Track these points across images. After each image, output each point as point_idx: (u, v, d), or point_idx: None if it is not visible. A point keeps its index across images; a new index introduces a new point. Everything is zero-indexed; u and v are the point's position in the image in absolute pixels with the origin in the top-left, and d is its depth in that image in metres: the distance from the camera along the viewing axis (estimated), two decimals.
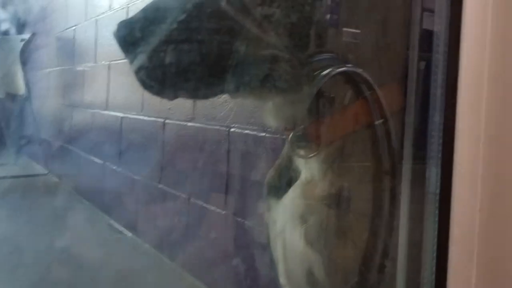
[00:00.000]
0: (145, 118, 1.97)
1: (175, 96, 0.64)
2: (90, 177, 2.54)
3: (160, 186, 1.89)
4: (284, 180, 0.71)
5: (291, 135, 0.62)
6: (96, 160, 2.45)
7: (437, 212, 0.60)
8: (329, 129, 0.61)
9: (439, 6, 0.58)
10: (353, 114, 0.62)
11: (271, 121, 0.67)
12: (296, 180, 0.67)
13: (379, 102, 0.61)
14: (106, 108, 2.33)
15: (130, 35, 0.56)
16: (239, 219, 1.47)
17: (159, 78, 0.58)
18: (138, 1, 1.94)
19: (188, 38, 0.58)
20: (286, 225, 0.65)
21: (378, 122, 0.61)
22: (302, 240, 0.61)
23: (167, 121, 1.83)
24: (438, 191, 0.59)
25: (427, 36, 0.61)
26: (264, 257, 1.19)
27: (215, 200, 1.59)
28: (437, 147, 0.59)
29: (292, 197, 0.66)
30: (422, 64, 0.64)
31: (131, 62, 0.58)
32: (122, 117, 2.18)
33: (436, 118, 0.58)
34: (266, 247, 0.75)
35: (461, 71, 0.54)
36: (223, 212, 1.54)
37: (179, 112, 1.73)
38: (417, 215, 0.62)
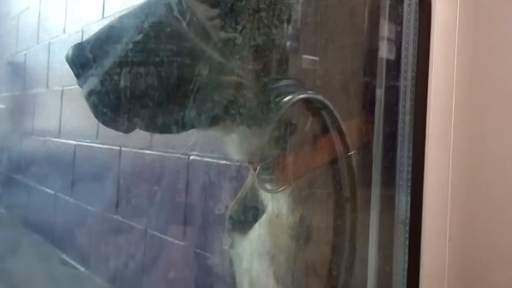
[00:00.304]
0: (100, 146, 1.89)
1: (130, 127, 0.59)
2: (41, 208, 2.40)
3: (116, 217, 1.80)
4: (248, 215, 0.67)
5: (257, 169, 0.59)
6: (47, 190, 2.32)
7: (407, 242, 0.58)
8: (296, 163, 0.58)
9: (406, 34, 0.57)
10: (319, 147, 0.59)
11: (235, 154, 0.64)
12: (262, 214, 0.63)
13: (341, 132, 0.59)
14: (59, 136, 2.23)
15: (82, 56, 0.52)
16: (199, 251, 1.41)
17: (112, 104, 0.54)
18: (94, 24, 1.88)
19: (145, 61, 0.54)
20: (254, 262, 0.61)
21: (341, 154, 0.58)
22: (271, 278, 0.58)
23: (123, 149, 1.76)
24: (408, 220, 0.58)
25: (391, 65, 0.60)
26: None
27: (173, 231, 1.52)
28: (406, 175, 0.58)
29: (259, 233, 0.62)
30: (380, 92, 0.63)
31: (82, 85, 0.53)
32: (75, 145, 2.08)
33: (405, 146, 0.57)
34: (230, 284, 0.70)
35: (430, 97, 0.53)
36: (182, 244, 1.48)
37: (136, 139, 1.67)
38: (387, 244, 0.60)
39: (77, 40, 2.03)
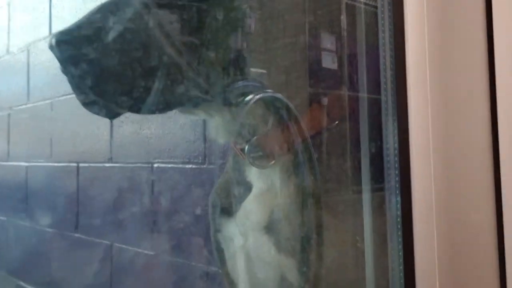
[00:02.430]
0: (55, 164, 1.84)
1: (117, 109, 0.61)
2: None
3: (77, 235, 1.75)
4: (234, 196, 0.70)
5: (247, 147, 0.63)
6: None
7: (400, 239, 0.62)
8: (282, 138, 0.63)
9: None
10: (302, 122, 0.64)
11: (219, 137, 0.68)
12: (248, 192, 0.67)
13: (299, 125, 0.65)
14: (8, 159, 2.14)
15: (65, 43, 0.54)
16: (169, 258, 1.40)
17: (97, 87, 0.56)
18: (40, 42, 1.84)
19: (124, 46, 0.57)
20: (248, 239, 0.64)
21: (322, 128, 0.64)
22: (273, 249, 0.61)
23: (81, 164, 1.72)
24: (399, 219, 0.62)
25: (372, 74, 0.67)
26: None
27: (141, 241, 1.51)
28: (394, 172, 0.63)
29: (250, 209, 0.65)
30: (325, 100, 0.70)
31: (66, 73, 0.55)
32: (27, 166, 2.01)
33: (390, 146, 0.63)
34: (220, 268, 0.72)
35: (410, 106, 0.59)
36: (152, 253, 1.47)
37: (95, 154, 1.64)
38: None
39: (23, 62, 1.97)
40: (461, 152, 0.58)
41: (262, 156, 0.64)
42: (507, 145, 0.54)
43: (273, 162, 0.63)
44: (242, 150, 0.64)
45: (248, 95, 0.62)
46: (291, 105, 0.65)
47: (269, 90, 0.65)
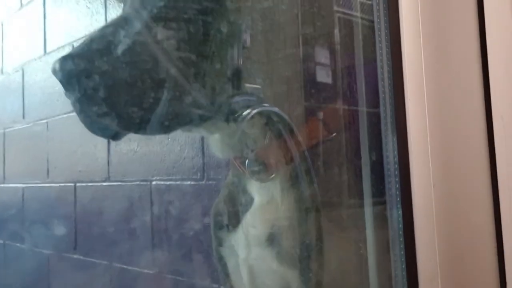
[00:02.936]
0: (52, 185, 1.82)
1: (121, 131, 0.60)
2: None
3: (76, 256, 1.73)
4: (235, 209, 0.71)
5: (247, 161, 0.63)
6: None
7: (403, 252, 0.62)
8: (281, 151, 0.63)
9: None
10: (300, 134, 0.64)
11: (219, 152, 0.68)
12: (249, 205, 0.67)
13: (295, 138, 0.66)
14: (3, 181, 2.12)
15: (69, 68, 0.53)
16: (169, 276, 1.38)
17: (101, 110, 0.55)
18: (35, 61, 1.84)
19: (127, 66, 0.57)
20: (251, 251, 0.64)
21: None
22: (276, 261, 0.61)
23: (78, 184, 1.71)
24: (401, 228, 0.63)
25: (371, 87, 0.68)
26: None
27: (140, 260, 1.49)
28: (395, 186, 0.64)
29: (251, 222, 0.65)
30: (320, 114, 0.70)
31: (70, 97, 0.55)
32: (23, 188, 1.99)
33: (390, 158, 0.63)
34: (223, 281, 0.72)
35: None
36: (151, 272, 1.45)
37: (92, 173, 1.63)
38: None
39: (17, 82, 1.97)
40: (459, 159, 0.59)
41: (262, 170, 0.64)
42: (503, 153, 0.55)
43: (273, 175, 0.64)
44: (242, 163, 0.64)
45: (245, 110, 0.62)
46: (287, 118, 0.66)
47: (266, 104, 0.66)
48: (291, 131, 0.66)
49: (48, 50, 1.78)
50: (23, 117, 1.96)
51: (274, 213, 0.65)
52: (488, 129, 0.57)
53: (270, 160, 0.64)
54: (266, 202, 0.66)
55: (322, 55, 0.74)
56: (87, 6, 1.61)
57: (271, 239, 0.64)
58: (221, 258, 0.72)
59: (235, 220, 0.69)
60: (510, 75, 0.54)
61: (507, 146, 0.55)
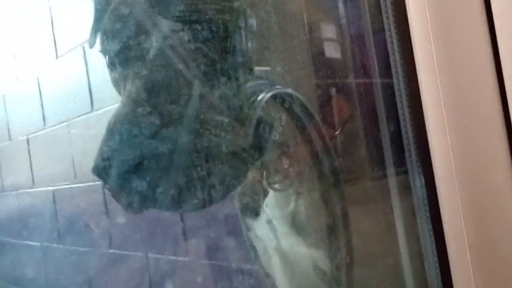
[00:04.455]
0: (81, 185, 1.87)
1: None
2: (29, 264, 2.33)
3: (112, 251, 1.79)
4: (257, 195, 0.71)
5: (264, 174, 0.63)
6: (32, 243, 2.26)
7: (429, 219, 0.63)
8: (295, 157, 0.63)
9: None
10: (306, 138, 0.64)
11: None
12: (266, 192, 0.68)
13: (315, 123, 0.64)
14: (33, 186, 2.18)
15: (107, 166, 0.53)
16: (204, 261, 1.42)
17: (147, 196, 0.53)
18: (48, 66, 1.87)
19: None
20: (280, 239, 0.66)
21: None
22: (302, 242, 0.63)
23: None
24: (426, 201, 0.63)
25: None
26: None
27: (174, 249, 1.53)
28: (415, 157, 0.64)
29: (274, 206, 0.66)
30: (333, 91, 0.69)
31: (114, 192, 0.54)
32: (53, 190, 2.05)
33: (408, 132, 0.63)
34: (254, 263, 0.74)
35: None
36: (186, 259, 1.49)
37: None
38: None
39: (34, 87, 2.00)
40: (474, 121, 0.59)
41: (280, 179, 0.64)
42: None
43: (290, 185, 0.64)
44: (260, 173, 0.64)
45: (259, 94, 0.60)
46: (302, 99, 0.64)
47: (279, 86, 0.64)
48: (308, 112, 0.63)
49: (59, 55, 1.80)
50: (44, 122, 2.01)
51: (296, 194, 0.65)
52: (501, 88, 0.57)
53: (286, 169, 0.64)
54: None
55: (329, 30, 0.73)
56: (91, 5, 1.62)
57: (295, 221, 0.64)
58: (250, 242, 0.73)
59: (257, 206, 0.69)
60: None
61: None
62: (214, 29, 0.60)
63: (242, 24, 0.60)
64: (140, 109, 0.54)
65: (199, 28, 0.59)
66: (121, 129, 0.53)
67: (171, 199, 0.52)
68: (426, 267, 0.65)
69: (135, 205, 0.53)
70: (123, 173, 0.52)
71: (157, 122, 0.53)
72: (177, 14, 0.58)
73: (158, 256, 1.58)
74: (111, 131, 0.54)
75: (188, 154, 0.53)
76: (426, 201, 0.64)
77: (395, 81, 0.64)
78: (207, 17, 0.60)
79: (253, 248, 0.74)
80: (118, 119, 0.54)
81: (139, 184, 0.51)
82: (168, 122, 0.53)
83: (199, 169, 0.53)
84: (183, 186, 0.52)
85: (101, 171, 0.53)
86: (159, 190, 0.52)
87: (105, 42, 0.59)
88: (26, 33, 2.04)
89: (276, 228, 0.66)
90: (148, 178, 0.52)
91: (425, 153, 0.62)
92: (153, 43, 0.57)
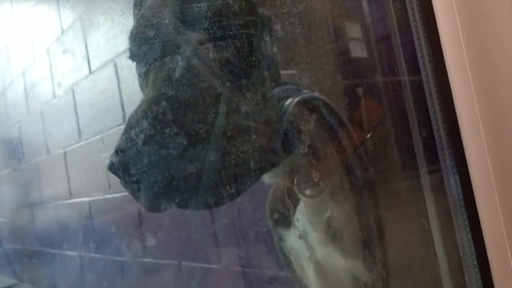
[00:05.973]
0: (115, 195, 1.91)
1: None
2: (68, 273, 2.39)
3: (146, 260, 1.81)
4: (287, 205, 0.70)
5: (296, 181, 0.62)
6: (70, 253, 2.32)
7: (465, 216, 0.61)
8: (325, 163, 0.62)
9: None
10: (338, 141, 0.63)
11: (267, 178, 0.66)
12: (297, 203, 0.67)
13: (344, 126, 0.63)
14: (70, 197, 2.25)
15: (124, 162, 0.53)
16: (235, 269, 1.42)
17: (166, 194, 0.54)
18: (82, 82, 1.93)
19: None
20: (315, 249, 0.64)
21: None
22: (337, 253, 0.61)
23: None
24: (461, 196, 0.61)
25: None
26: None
27: (206, 257, 1.54)
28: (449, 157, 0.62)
29: (306, 216, 0.65)
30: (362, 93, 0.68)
31: (130, 189, 0.54)
32: (89, 201, 2.10)
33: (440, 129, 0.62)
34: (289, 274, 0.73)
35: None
36: (218, 267, 1.49)
37: None
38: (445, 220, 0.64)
39: (70, 102, 2.04)
40: (509, 118, 0.57)
41: (310, 186, 0.63)
42: None
43: (322, 189, 0.62)
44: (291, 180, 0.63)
45: (286, 100, 0.60)
46: (330, 102, 0.63)
47: (306, 91, 0.63)
48: (337, 115, 0.63)
49: (93, 69, 1.86)
50: (79, 135, 2.07)
51: (328, 204, 0.64)
52: None
53: (317, 175, 0.62)
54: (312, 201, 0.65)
55: (354, 30, 0.72)
56: (123, 22, 1.66)
57: (329, 231, 0.63)
58: (283, 253, 0.72)
59: (288, 216, 0.68)
60: None
61: None
62: (239, 43, 0.60)
63: (267, 36, 0.59)
64: (162, 106, 0.54)
65: (225, 42, 0.59)
66: (137, 126, 0.53)
67: (192, 198, 0.52)
68: (466, 279, 0.62)
69: (153, 203, 0.53)
70: (140, 170, 0.52)
71: (170, 117, 0.53)
72: (204, 26, 0.58)
73: (192, 264, 1.59)
74: (129, 125, 0.54)
75: (210, 153, 0.53)
76: (463, 206, 0.62)
77: (424, 79, 0.62)
78: (231, 32, 0.60)
79: (286, 258, 0.73)
80: (136, 115, 0.54)
81: (158, 182, 0.51)
82: (189, 121, 0.53)
83: (223, 172, 0.53)
84: (207, 187, 0.53)
85: (117, 167, 0.54)
86: (182, 188, 0.52)
87: (134, 49, 0.60)
88: (60, 50, 2.11)
89: (309, 239, 0.65)
90: (167, 176, 0.52)
91: (460, 154, 0.60)
92: (180, 54, 0.57)
